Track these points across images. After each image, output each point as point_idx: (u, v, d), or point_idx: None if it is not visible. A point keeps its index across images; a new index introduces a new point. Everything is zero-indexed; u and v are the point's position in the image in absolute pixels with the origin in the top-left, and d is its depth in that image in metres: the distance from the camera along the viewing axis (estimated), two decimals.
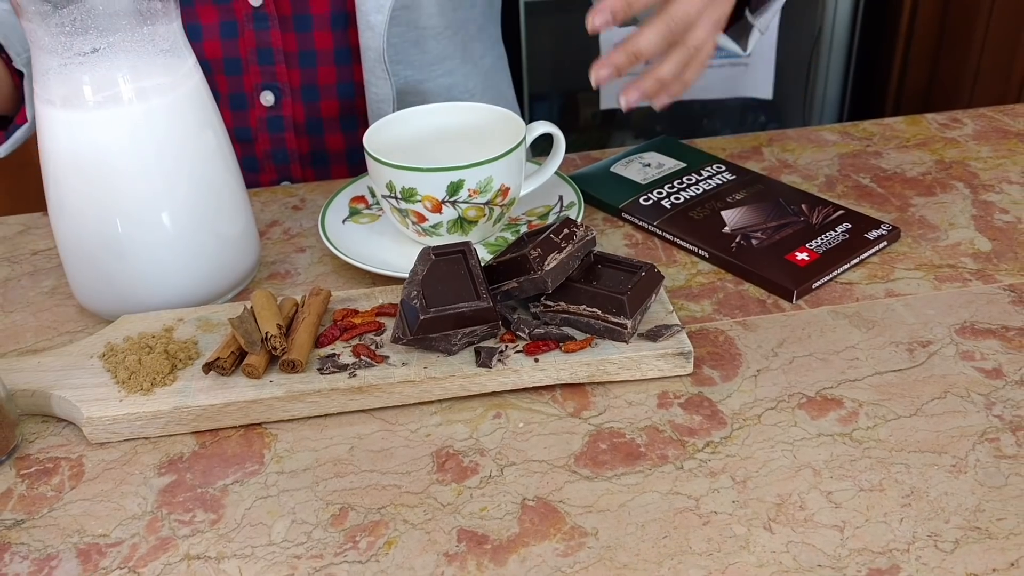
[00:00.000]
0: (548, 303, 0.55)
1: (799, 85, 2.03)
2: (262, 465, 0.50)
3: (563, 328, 0.55)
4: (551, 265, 0.54)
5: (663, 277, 0.57)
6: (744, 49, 0.75)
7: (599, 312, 0.54)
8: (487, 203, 0.63)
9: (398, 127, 0.68)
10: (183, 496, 0.48)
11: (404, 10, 0.76)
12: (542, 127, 0.66)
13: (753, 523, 0.45)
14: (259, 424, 0.52)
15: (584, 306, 0.54)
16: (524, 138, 0.64)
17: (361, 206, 0.71)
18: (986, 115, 0.83)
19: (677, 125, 2.10)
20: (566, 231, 0.56)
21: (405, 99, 0.81)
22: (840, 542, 0.43)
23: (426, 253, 0.55)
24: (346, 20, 0.78)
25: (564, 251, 0.55)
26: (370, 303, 0.59)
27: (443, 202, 0.62)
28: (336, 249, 0.64)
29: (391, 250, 0.66)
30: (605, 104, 1.94)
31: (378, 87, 0.78)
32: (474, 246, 0.59)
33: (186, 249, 0.60)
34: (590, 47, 1.85)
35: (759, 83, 1.90)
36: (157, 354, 0.53)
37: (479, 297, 0.53)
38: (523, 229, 0.68)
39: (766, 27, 0.73)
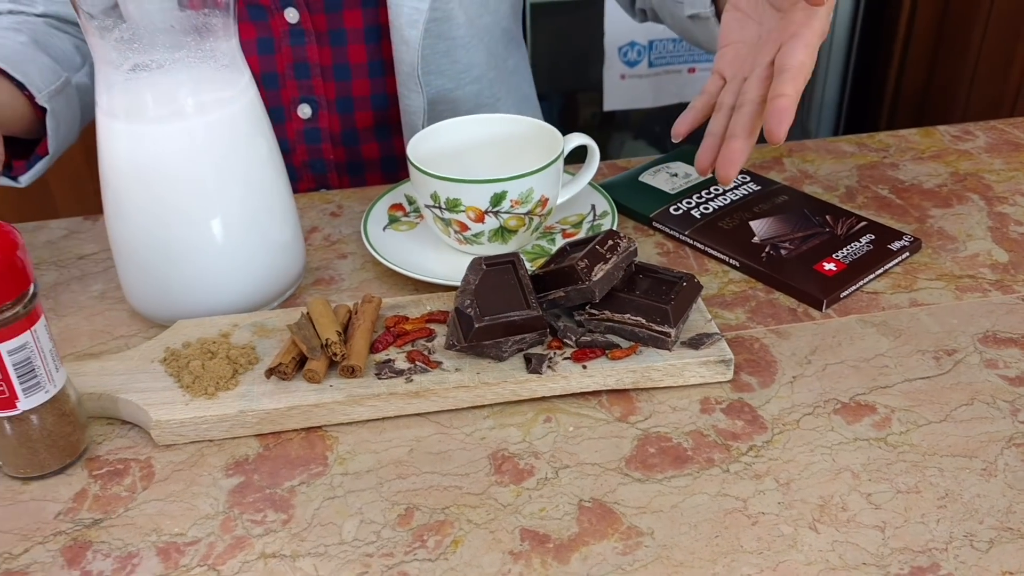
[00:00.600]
0: (593, 312, 0.57)
1: None
2: (326, 467, 0.52)
3: (607, 336, 0.57)
4: (598, 275, 0.56)
5: (702, 287, 0.59)
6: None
7: (643, 321, 0.56)
8: (527, 213, 0.65)
9: (438, 138, 0.70)
10: (252, 497, 0.50)
11: (436, 23, 0.78)
12: (578, 139, 0.69)
13: (799, 523, 0.47)
14: (320, 427, 0.55)
15: (629, 315, 0.56)
16: (563, 150, 0.66)
17: (399, 214, 0.73)
18: (997, 127, 0.86)
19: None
20: (610, 242, 0.58)
21: (436, 107, 0.83)
22: (882, 541, 0.46)
23: (477, 263, 0.58)
24: (379, 34, 0.80)
25: (610, 262, 0.57)
26: (419, 310, 0.61)
27: (486, 212, 0.64)
28: (381, 257, 0.66)
29: (431, 258, 0.68)
30: (608, 106, 1.96)
31: (411, 99, 0.80)
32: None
33: (239, 255, 0.62)
34: (590, 48, 1.87)
35: None
36: (220, 359, 0.55)
37: (529, 306, 0.56)
38: (557, 237, 0.70)
39: None
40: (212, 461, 0.53)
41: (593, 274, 0.56)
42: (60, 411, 0.51)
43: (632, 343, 0.57)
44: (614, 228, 0.69)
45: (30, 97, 0.72)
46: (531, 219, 0.66)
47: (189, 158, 0.58)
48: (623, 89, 1.92)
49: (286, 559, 0.47)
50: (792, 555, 0.46)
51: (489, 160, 0.71)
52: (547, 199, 0.66)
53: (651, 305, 0.56)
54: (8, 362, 0.48)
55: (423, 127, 0.82)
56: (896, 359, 0.58)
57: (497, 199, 0.63)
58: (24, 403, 0.49)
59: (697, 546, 0.46)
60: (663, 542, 0.47)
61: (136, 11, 0.55)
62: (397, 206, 0.74)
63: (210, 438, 0.54)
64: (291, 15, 0.79)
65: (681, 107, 2.13)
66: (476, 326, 0.54)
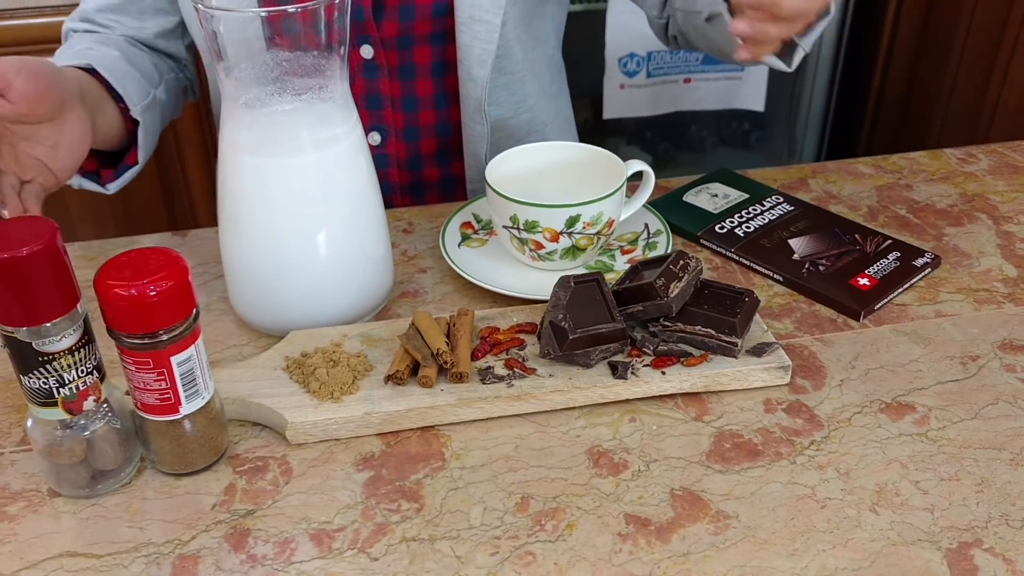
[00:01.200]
0: (667, 324, 0.65)
1: (786, 96, 2.15)
2: (444, 462, 0.59)
3: (680, 345, 0.65)
4: (674, 292, 0.64)
5: (759, 301, 0.67)
6: (789, 66, 0.82)
7: (713, 332, 0.64)
8: (596, 233, 0.73)
9: (511, 164, 0.78)
10: (385, 488, 0.57)
11: (498, 59, 0.86)
12: (637, 165, 0.76)
13: (861, 507, 0.55)
14: (433, 427, 0.62)
15: (699, 326, 0.64)
16: (627, 176, 0.74)
17: (469, 231, 0.81)
18: (997, 151, 0.95)
19: (666, 132, 2.22)
20: (681, 262, 0.66)
21: (495, 135, 0.90)
22: (932, 521, 0.54)
23: (566, 281, 0.65)
24: (445, 69, 0.87)
25: (683, 280, 0.65)
26: (506, 322, 0.68)
27: (561, 233, 0.71)
28: (465, 273, 0.74)
29: (505, 272, 0.76)
30: (608, 114, 2.04)
31: (474, 129, 0.87)
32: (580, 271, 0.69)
33: (343, 270, 0.69)
34: (592, 58, 1.95)
35: (752, 96, 2.03)
36: (342, 367, 0.62)
37: (614, 319, 0.63)
38: (616, 253, 0.78)
39: (810, 46, 0.81)
40: (342, 458, 0.60)
41: (670, 291, 0.64)
42: (209, 415, 0.58)
43: (703, 352, 0.65)
44: (668, 246, 0.77)
45: (123, 110, 0.79)
46: (599, 238, 0.73)
47: (305, 188, 0.65)
48: (622, 98, 2.01)
49: (425, 542, 0.54)
50: (858, 533, 0.54)
51: (554, 184, 0.78)
52: (613, 220, 0.73)
53: (720, 318, 0.64)
54: (177, 372, 0.54)
55: (485, 153, 0.89)
56: (928, 364, 0.67)
57: (571, 221, 0.71)
58: (185, 408, 0.56)
59: (777, 527, 0.54)
60: (748, 524, 0.55)
61: (258, 53, 0.62)
62: (467, 224, 0.81)
63: (337, 437, 0.61)
64: (366, 51, 0.85)
65: (676, 115, 2.21)
66: (570, 337, 0.61)
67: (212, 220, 0.73)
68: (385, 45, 0.85)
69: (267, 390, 0.62)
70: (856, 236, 0.79)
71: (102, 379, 0.55)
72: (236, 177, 0.65)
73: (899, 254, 0.77)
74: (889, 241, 0.78)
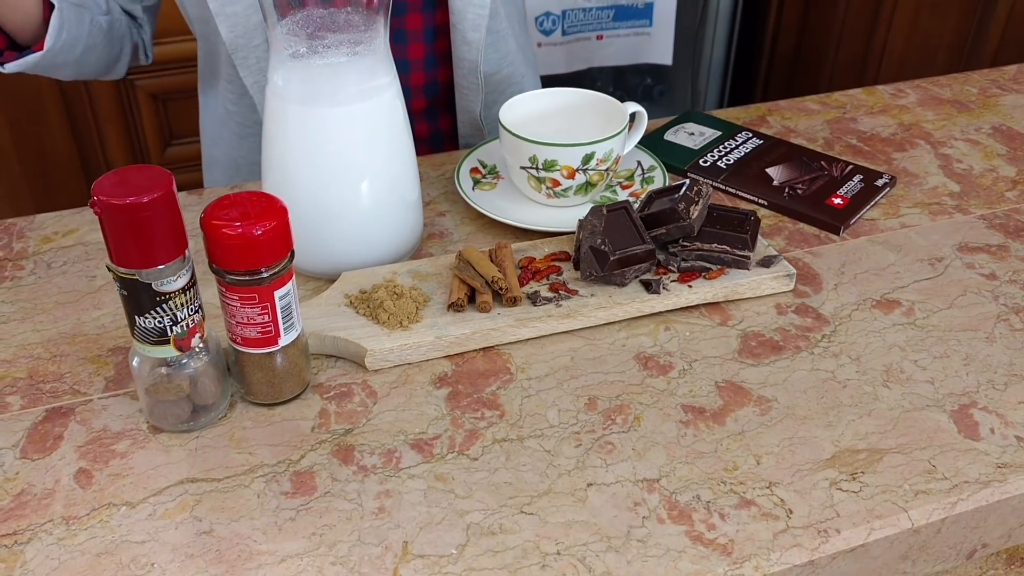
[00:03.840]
0: (686, 244, 0.73)
1: (688, 50, 2.27)
2: (512, 375, 0.66)
3: (698, 262, 0.73)
4: (694, 215, 0.72)
5: (760, 220, 0.76)
6: None
7: (728, 248, 0.72)
8: (607, 169, 0.80)
9: (519, 110, 0.84)
10: (465, 401, 0.64)
11: (490, 19, 0.91)
12: (633, 107, 0.84)
13: (875, 384, 0.65)
14: (493, 347, 0.68)
15: (715, 244, 0.73)
16: (629, 116, 0.81)
17: (478, 176, 0.87)
18: (922, 86, 1.07)
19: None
20: (696, 188, 0.74)
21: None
22: (934, 390, 0.65)
23: (598, 210, 0.72)
24: (435, 33, 0.92)
25: (699, 204, 0.73)
26: (538, 253, 0.75)
27: (577, 170, 0.78)
28: (488, 212, 0.80)
29: (519, 210, 0.82)
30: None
31: (468, 88, 0.93)
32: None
33: (385, 213, 0.74)
34: None
35: (660, 50, 2.13)
36: (405, 299, 0.68)
37: (645, 241, 0.71)
38: (617, 189, 0.86)
39: None
40: (418, 379, 0.66)
41: (691, 213, 0.72)
42: (299, 347, 0.62)
43: (719, 266, 0.73)
44: (666, 180, 0.85)
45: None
46: (608, 174, 0.81)
47: (352, 137, 0.70)
48: (540, 56, 2.08)
49: (515, 442, 0.61)
50: (877, 405, 0.64)
51: (557, 127, 0.85)
52: (619, 157, 0.81)
53: (733, 235, 0.72)
54: (279, 306, 0.59)
55: (480, 109, 0.95)
56: (903, 266, 0.77)
57: (587, 159, 0.78)
58: (283, 340, 0.60)
59: (811, 405, 0.63)
60: (786, 404, 0.63)
61: (313, 5, 0.66)
62: (475, 169, 0.87)
63: (409, 362, 0.67)
64: None
65: (591, 72, 2.29)
66: (611, 259, 0.69)
67: None
68: None
69: (339, 323, 0.67)
70: (822, 163, 0.89)
71: (203, 318, 0.59)
72: (281, 127, 0.69)
73: (862, 176, 0.87)
74: (851, 166, 0.89)
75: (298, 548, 0.54)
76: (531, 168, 0.79)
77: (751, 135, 0.94)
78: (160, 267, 0.55)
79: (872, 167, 0.90)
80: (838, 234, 0.81)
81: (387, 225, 0.74)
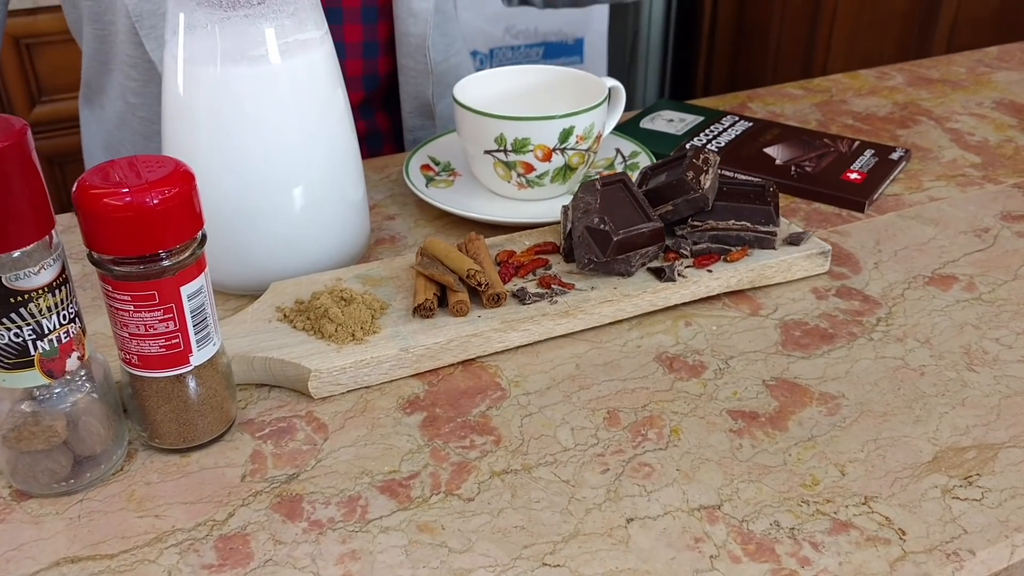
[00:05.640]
0: (696, 223, 0.60)
1: (623, 75, 2.18)
2: (504, 391, 0.51)
3: (713, 244, 0.60)
4: (707, 184, 0.59)
5: (779, 193, 0.64)
6: None
7: (749, 224, 0.59)
8: (588, 149, 0.67)
9: (476, 90, 0.70)
10: (447, 427, 0.48)
11: None
12: (610, 82, 0.71)
13: (958, 368, 0.52)
14: (474, 359, 0.53)
15: (733, 220, 0.59)
16: (610, 89, 0.68)
17: (431, 174, 0.72)
18: (907, 68, 0.98)
19: None
20: (702, 156, 0.61)
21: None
22: None
23: (590, 185, 0.58)
24: (376, 14, 0.78)
25: (709, 173, 0.60)
26: (518, 246, 0.61)
27: (554, 150, 0.65)
28: (449, 207, 0.65)
29: (485, 206, 0.68)
30: None
31: (416, 71, 0.79)
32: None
33: (324, 208, 0.58)
34: None
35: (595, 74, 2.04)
36: (357, 304, 0.53)
37: (650, 219, 0.57)
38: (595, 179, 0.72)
39: None
40: (380, 404, 0.50)
41: (702, 184, 0.59)
42: (218, 369, 0.46)
43: (740, 247, 0.60)
44: (654, 161, 0.72)
45: None
46: (589, 155, 0.67)
47: (274, 103, 0.55)
48: None
49: (520, 472, 0.45)
50: (969, 392, 0.50)
51: (525, 108, 0.71)
52: (600, 134, 0.68)
53: (754, 208, 0.59)
54: (187, 308, 0.43)
55: (431, 95, 0.81)
56: (947, 239, 0.65)
57: (565, 135, 0.64)
58: (196, 356, 0.44)
59: (888, 398, 0.50)
60: (858, 400, 0.50)
61: None
62: (426, 167, 0.73)
63: (367, 384, 0.51)
64: None
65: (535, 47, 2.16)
66: (614, 239, 0.55)
67: None
68: None
69: (271, 342, 0.51)
70: (826, 140, 0.77)
71: (83, 331, 0.43)
72: (189, 97, 0.54)
73: (873, 151, 0.75)
74: (858, 142, 0.77)
75: None
76: (498, 151, 0.65)
77: (738, 118, 0.82)
78: (15, 253, 0.39)
79: (880, 143, 0.79)
80: (863, 211, 0.69)
81: (325, 223, 0.59)
